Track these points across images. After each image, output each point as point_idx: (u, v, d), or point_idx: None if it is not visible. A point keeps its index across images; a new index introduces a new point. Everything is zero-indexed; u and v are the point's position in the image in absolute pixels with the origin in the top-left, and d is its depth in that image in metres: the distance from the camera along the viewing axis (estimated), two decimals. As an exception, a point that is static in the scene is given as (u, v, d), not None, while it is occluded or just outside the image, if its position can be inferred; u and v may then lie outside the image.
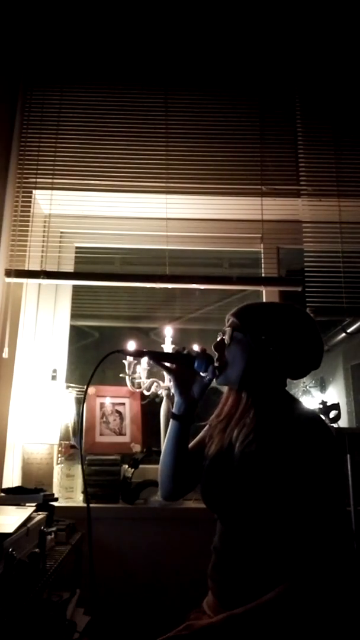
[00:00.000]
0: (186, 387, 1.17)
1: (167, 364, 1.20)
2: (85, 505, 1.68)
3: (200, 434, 1.27)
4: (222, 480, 1.09)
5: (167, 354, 1.25)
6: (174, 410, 1.19)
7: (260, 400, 1.09)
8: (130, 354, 1.15)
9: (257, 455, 1.03)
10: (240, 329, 1.11)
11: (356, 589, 0.99)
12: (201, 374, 1.15)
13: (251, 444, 1.05)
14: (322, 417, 1.09)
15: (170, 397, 1.74)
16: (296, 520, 0.95)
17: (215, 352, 1.15)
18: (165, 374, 1.19)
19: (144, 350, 1.21)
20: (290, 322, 1.11)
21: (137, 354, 1.16)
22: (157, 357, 1.23)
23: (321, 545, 0.93)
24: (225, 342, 1.13)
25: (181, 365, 1.17)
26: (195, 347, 1.24)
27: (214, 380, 1.16)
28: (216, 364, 1.13)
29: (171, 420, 1.20)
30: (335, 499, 0.97)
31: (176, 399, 1.18)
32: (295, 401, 1.13)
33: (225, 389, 1.21)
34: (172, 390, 1.19)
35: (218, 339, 1.16)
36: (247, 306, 1.16)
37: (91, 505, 1.68)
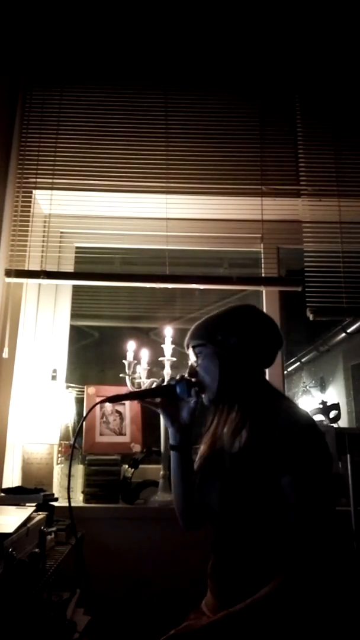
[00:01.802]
0: (176, 416, 1.22)
1: (153, 400, 1.24)
2: (85, 505, 1.70)
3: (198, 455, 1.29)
4: (214, 482, 1.11)
5: (149, 390, 1.33)
6: (170, 442, 1.23)
7: (243, 396, 1.12)
8: (115, 400, 1.21)
9: (246, 452, 1.04)
10: (199, 344, 1.17)
11: (348, 582, 1.00)
12: (186, 399, 1.19)
13: (239, 437, 1.07)
14: (307, 411, 1.12)
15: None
16: (286, 516, 0.97)
17: (192, 377, 1.19)
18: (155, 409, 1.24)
19: (126, 393, 1.27)
20: (237, 314, 1.19)
21: (121, 398, 1.21)
22: (141, 396, 1.30)
23: (310, 539, 0.94)
24: (195, 364, 1.18)
25: (164, 396, 1.21)
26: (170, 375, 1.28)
27: (203, 401, 1.19)
28: (195, 388, 1.17)
29: (171, 452, 1.23)
30: (323, 493, 0.98)
31: (170, 430, 1.23)
32: (279, 394, 1.16)
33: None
34: (164, 423, 1.25)
35: (189, 367, 1.21)
36: (196, 325, 1.22)
37: (91, 505, 1.70)
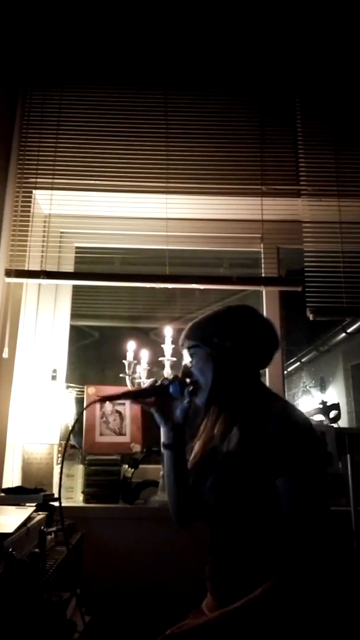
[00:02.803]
0: (169, 415, 1.21)
1: (146, 400, 1.23)
2: (85, 505, 1.70)
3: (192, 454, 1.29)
4: (205, 482, 1.12)
5: (142, 390, 1.32)
6: (163, 440, 1.23)
7: (236, 397, 1.12)
8: (109, 399, 1.21)
9: (238, 451, 1.05)
10: (194, 345, 1.16)
11: (347, 582, 1.00)
12: (179, 398, 1.19)
13: (231, 438, 1.08)
14: (301, 410, 1.12)
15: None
16: (279, 514, 0.97)
17: (186, 378, 1.18)
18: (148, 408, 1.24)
19: (120, 393, 1.26)
20: (233, 316, 1.18)
21: (115, 398, 1.22)
22: (134, 396, 1.30)
23: (304, 539, 0.94)
24: (189, 364, 1.18)
25: (158, 396, 1.21)
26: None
27: (196, 402, 1.19)
28: (189, 388, 1.17)
29: (164, 451, 1.23)
30: (317, 494, 0.98)
31: (162, 429, 1.23)
32: (273, 396, 1.16)
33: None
34: (158, 423, 1.23)
35: (183, 367, 1.21)
36: (191, 325, 1.22)
37: (91, 505, 1.70)
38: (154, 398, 1.22)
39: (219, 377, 1.12)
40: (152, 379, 1.26)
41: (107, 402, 1.92)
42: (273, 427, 1.02)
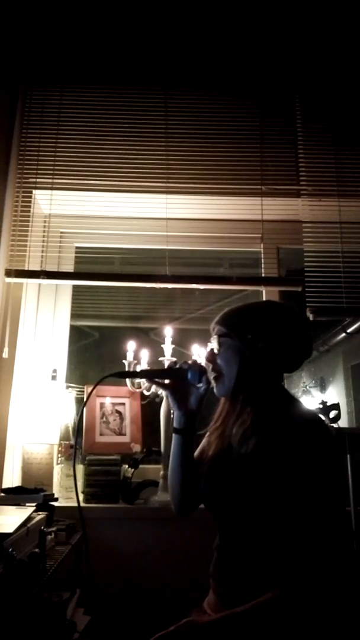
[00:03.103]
0: (183, 401, 1.19)
1: (162, 381, 1.22)
2: (85, 505, 1.70)
3: (202, 444, 1.27)
4: (221, 482, 1.09)
5: (160, 370, 1.29)
6: (174, 424, 1.21)
7: (257, 399, 1.09)
8: (125, 376, 1.19)
9: (256, 454, 1.03)
10: (226, 334, 1.12)
11: (356, 590, 0.99)
12: (196, 384, 1.17)
13: (248, 440, 1.05)
14: (322, 416, 1.09)
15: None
16: (295, 521, 0.95)
17: (209, 364, 1.15)
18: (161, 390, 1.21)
19: (138, 370, 1.23)
20: (274, 316, 1.12)
21: (131, 375, 1.19)
22: (151, 375, 1.27)
23: (320, 546, 0.93)
24: (215, 351, 1.14)
25: (175, 379, 1.19)
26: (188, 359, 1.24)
27: (214, 391, 1.16)
28: (211, 375, 1.14)
29: (173, 435, 1.21)
30: (335, 500, 0.96)
31: (175, 413, 1.20)
32: (293, 399, 1.13)
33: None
34: (171, 406, 1.20)
35: (207, 350, 1.17)
36: (229, 311, 1.17)
37: (91, 505, 1.70)
38: (170, 381, 1.19)
39: (243, 374, 1.09)
40: (172, 361, 1.22)
41: (109, 398, 1.93)
42: (296, 430, 1.00)
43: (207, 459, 1.17)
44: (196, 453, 1.25)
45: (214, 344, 1.14)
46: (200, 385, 1.17)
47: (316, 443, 0.99)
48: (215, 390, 1.16)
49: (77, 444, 1.52)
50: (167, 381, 1.20)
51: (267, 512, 0.99)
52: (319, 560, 0.92)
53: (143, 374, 1.28)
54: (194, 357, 1.20)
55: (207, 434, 1.24)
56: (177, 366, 1.19)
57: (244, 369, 1.09)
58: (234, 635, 0.92)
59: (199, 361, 1.22)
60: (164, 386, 1.20)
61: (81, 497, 1.76)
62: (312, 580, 0.92)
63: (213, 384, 1.15)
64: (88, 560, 1.21)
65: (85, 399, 1.21)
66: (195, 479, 1.19)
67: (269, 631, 0.92)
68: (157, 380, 1.23)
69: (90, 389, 1.92)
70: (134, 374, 1.20)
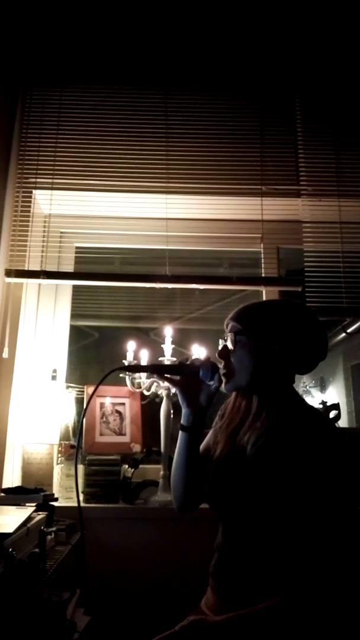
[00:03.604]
0: (193, 398, 1.15)
1: (173, 377, 1.18)
2: (85, 505, 1.70)
3: (206, 440, 1.26)
4: (231, 483, 1.08)
5: (171, 366, 1.25)
6: (182, 422, 1.17)
7: (271, 401, 1.08)
8: (135, 370, 1.14)
9: (269, 457, 1.02)
10: (242, 332, 1.09)
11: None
12: (207, 382, 1.14)
13: (264, 445, 1.04)
14: (330, 419, 1.07)
15: (170, 397, 1.74)
16: (305, 525, 0.94)
17: (221, 360, 1.13)
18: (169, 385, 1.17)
19: (148, 365, 1.18)
20: (291, 317, 1.10)
21: (141, 369, 1.15)
22: (161, 371, 1.24)
23: (330, 551, 0.92)
24: (229, 347, 1.11)
25: (186, 376, 1.15)
26: (197, 356, 1.21)
27: (222, 387, 1.14)
28: (223, 371, 1.12)
29: (180, 432, 1.18)
30: (346, 505, 0.95)
31: (184, 410, 1.16)
32: (303, 401, 1.12)
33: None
34: (180, 402, 1.17)
35: (220, 346, 1.14)
36: (246, 308, 1.14)
37: (91, 505, 1.70)
38: (181, 377, 1.16)
39: (258, 374, 1.07)
40: (185, 358, 1.19)
41: (109, 398, 1.92)
42: (310, 434, 0.99)
43: (214, 458, 1.15)
44: (202, 449, 1.23)
45: (228, 342, 1.11)
46: (212, 383, 1.13)
47: (330, 448, 0.98)
48: (224, 387, 1.13)
49: (79, 441, 1.50)
50: (177, 377, 1.17)
51: (276, 515, 0.98)
52: (330, 566, 0.92)
53: (153, 368, 1.25)
54: (206, 355, 1.17)
55: (212, 431, 1.23)
56: (189, 362, 1.16)
57: (259, 370, 1.07)
58: (241, 636, 0.91)
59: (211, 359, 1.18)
60: (174, 382, 1.17)
61: (81, 497, 1.76)
62: (321, 585, 0.91)
63: (223, 380, 1.12)
64: (83, 561, 1.21)
65: (93, 392, 1.17)
66: (199, 478, 1.17)
67: (276, 635, 0.91)
68: (167, 376, 1.20)
69: (90, 389, 1.92)
70: (144, 369, 1.16)
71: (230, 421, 1.16)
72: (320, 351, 1.11)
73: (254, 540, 1.02)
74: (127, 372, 1.15)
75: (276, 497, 0.98)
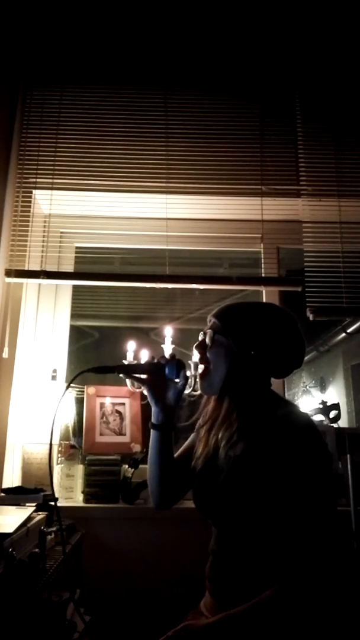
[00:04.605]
0: (161, 396, 1.17)
1: (139, 376, 1.20)
2: (85, 505, 1.70)
3: (189, 440, 1.27)
4: (210, 484, 1.09)
5: (137, 365, 1.28)
6: (152, 420, 1.20)
7: (243, 402, 1.09)
8: (101, 371, 1.17)
9: (244, 458, 1.03)
10: (221, 332, 1.10)
11: (350, 587, 0.99)
12: (174, 380, 1.16)
13: (235, 445, 1.05)
14: (309, 416, 1.08)
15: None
16: (284, 521, 0.95)
17: (197, 352, 1.14)
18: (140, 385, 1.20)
19: (114, 366, 1.20)
20: (272, 323, 1.11)
21: (107, 370, 1.17)
22: (128, 370, 1.26)
23: (310, 545, 0.93)
24: (207, 343, 1.12)
25: (152, 374, 1.17)
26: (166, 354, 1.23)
27: (199, 389, 1.16)
28: (200, 366, 1.13)
29: (151, 431, 1.20)
30: (322, 500, 0.96)
31: (153, 409, 1.19)
32: (282, 401, 1.13)
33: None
34: (149, 401, 1.19)
35: (200, 339, 1.15)
36: (228, 307, 1.15)
37: (91, 505, 1.70)
38: (148, 376, 1.18)
39: (231, 376, 1.08)
40: (152, 357, 1.21)
41: (109, 398, 1.92)
42: (276, 431, 1.00)
43: (195, 461, 1.17)
44: (182, 450, 1.25)
45: (207, 337, 1.13)
46: (178, 380, 1.15)
47: (303, 444, 0.99)
48: (200, 388, 1.16)
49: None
50: (144, 376, 1.18)
51: (257, 514, 0.99)
52: (310, 560, 0.92)
53: (120, 369, 1.25)
54: (171, 352, 1.19)
55: (196, 431, 1.24)
56: (155, 361, 1.18)
57: (232, 372, 1.08)
58: (231, 637, 0.92)
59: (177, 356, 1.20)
60: (141, 381, 1.19)
61: (81, 497, 1.76)
62: (304, 579, 0.92)
63: (198, 380, 1.14)
64: (80, 562, 1.21)
65: (63, 393, 1.19)
66: (174, 475, 1.19)
67: (264, 631, 0.92)
68: (134, 375, 1.22)
69: (90, 389, 1.93)
70: (111, 369, 1.18)
71: (207, 420, 1.17)
72: (296, 360, 1.12)
73: (242, 541, 1.03)
74: (97, 373, 1.17)
75: (254, 496, 0.99)
